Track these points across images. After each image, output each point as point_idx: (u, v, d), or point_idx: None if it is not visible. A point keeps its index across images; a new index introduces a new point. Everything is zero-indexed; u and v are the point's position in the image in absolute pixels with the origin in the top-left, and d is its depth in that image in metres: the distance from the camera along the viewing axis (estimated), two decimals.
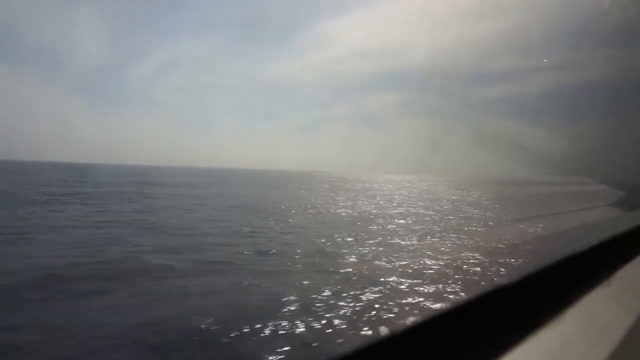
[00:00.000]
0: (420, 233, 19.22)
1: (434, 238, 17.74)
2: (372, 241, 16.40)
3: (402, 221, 23.61)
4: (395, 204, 36.25)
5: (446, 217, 26.07)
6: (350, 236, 17.34)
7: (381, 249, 14.91)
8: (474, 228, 21.39)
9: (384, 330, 0.92)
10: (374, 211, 29.29)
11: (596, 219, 21.95)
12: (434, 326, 1.07)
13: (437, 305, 8.67)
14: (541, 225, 21.66)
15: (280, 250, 14.05)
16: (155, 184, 53.85)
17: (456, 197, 46.74)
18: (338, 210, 28.92)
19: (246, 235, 17.12)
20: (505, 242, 16.65)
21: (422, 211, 30.16)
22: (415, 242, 16.74)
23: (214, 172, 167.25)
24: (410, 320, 1.03)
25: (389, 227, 21.11)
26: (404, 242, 16.48)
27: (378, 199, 43.30)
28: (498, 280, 1.27)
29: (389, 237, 17.57)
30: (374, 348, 0.92)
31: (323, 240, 16.13)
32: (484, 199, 43.96)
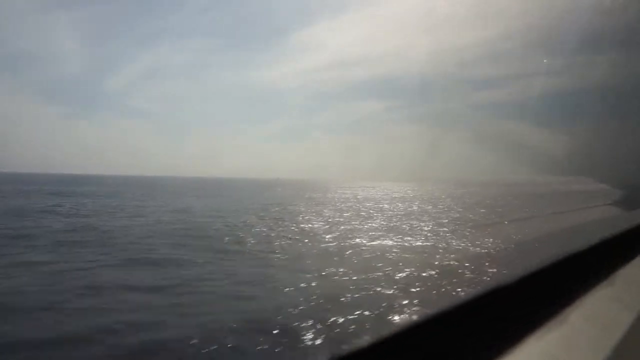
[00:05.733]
0: None
1: None
2: None
3: None
4: None
5: None
6: None
7: None
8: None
9: (384, 329, 0.91)
10: None
11: (596, 218, 21.70)
12: (435, 325, 1.07)
13: (438, 304, 8.55)
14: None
15: None
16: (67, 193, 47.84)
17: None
18: None
19: None
20: None
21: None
22: None
23: (178, 181, 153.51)
24: (411, 319, 1.03)
25: None
26: None
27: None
28: (500, 279, 1.26)
29: None
30: (374, 348, 0.91)
31: None
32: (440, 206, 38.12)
